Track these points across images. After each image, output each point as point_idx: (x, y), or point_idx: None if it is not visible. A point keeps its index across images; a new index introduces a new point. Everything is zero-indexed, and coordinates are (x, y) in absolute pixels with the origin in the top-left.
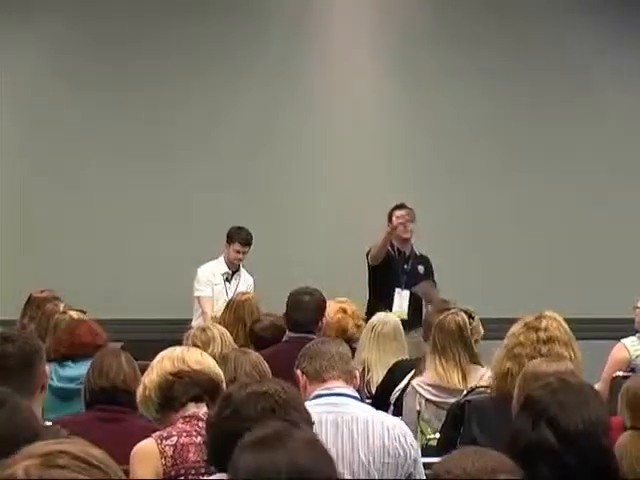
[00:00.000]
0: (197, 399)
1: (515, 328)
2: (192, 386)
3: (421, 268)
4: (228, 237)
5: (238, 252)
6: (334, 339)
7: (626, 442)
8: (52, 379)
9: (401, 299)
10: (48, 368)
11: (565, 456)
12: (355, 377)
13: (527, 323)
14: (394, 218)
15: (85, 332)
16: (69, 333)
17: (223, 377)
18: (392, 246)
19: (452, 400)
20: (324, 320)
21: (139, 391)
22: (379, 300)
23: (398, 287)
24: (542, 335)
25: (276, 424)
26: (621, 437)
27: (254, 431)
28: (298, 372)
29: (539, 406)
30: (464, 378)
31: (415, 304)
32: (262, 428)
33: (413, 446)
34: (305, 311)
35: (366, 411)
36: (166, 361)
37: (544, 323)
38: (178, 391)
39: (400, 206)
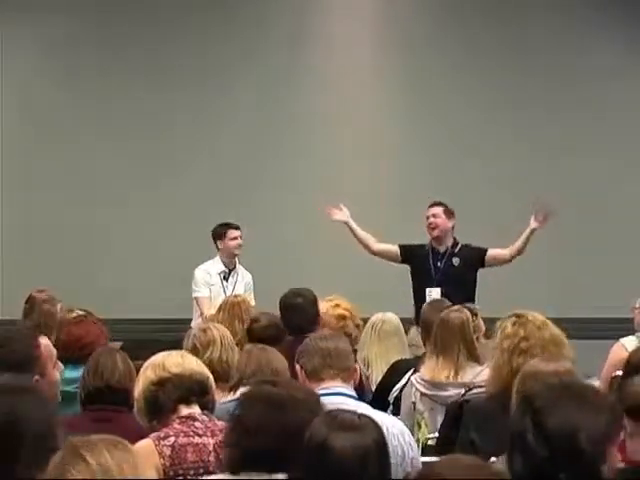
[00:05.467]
0: (184, 401)
1: (504, 326)
2: (174, 390)
3: (456, 260)
4: (217, 234)
5: (235, 238)
6: (334, 334)
7: None
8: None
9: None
10: None
11: (539, 450)
12: (355, 372)
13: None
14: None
15: (84, 333)
16: (67, 334)
17: (209, 374)
18: (429, 243)
19: (443, 393)
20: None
21: (135, 403)
22: (417, 302)
23: (429, 287)
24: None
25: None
26: None
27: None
28: (298, 367)
29: (530, 400)
30: (456, 374)
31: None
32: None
33: (412, 445)
34: (302, 313)
35: (364, 411)
36: (149, 371)
37: (522, 331)
38: (162, 399)
39: (431, 204)
